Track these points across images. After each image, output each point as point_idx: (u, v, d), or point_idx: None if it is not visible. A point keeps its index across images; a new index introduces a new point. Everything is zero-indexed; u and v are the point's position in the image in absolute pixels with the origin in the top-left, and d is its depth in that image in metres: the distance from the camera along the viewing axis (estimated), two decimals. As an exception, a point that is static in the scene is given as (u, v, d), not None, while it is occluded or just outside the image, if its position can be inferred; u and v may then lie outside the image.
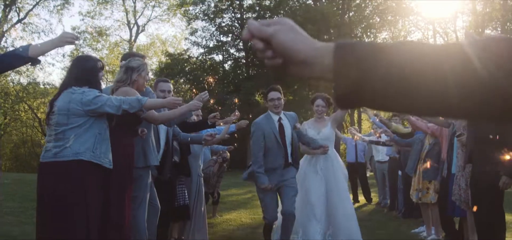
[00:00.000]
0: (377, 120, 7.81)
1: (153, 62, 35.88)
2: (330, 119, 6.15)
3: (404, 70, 0.79)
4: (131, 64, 4.40)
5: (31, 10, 29.76)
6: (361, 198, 11.66)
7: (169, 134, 5.37)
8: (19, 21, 29.24)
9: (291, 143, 5.65)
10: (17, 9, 29.00)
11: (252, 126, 5.62)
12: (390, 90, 0.80)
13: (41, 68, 30.73)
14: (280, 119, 5.60)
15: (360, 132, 13.08)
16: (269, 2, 30.77)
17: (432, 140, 6.40)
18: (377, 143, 8.94)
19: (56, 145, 3.66)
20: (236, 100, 24.07)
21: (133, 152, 4.40)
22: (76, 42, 3.92)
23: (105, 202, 3.91)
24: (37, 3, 29.82)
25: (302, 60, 0.89)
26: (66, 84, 3.85)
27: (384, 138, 8.46)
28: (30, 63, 3.72)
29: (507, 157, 4.34)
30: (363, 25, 32.42)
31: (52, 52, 31.50)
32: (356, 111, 32.84)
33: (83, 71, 3.87)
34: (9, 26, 28.57)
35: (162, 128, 5.23)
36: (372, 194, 11.72)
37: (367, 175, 12.12)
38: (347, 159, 11.63)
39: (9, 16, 28.32)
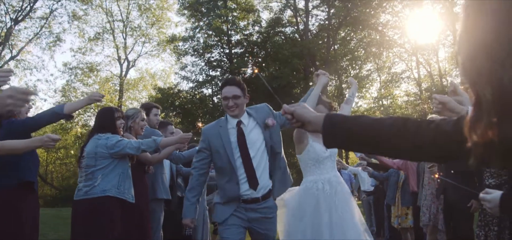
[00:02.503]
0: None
1: (142, 96, 36.35)
2: None
3: (357, 130, 1.63)
4: (127, 113, 5.13)
5: (24, 47, 30.26)
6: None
7: (173, 170, 5.97)
8: (12, 58, 29.66)
9: (270, 156, 3.93)
10: (10, 46, 29.49)
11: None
12: (351, 140, 1.65)
13: (34, 103, 31.08)
14: (239, 123, 3.92)
15: (347, 161, 13.68)
16: (256, 37, 31.61)
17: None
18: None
19: (86, 185, 4.30)
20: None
21: (147, 187, 5.04)
22: (102, 99, 4.58)
23: (130, 231, 4.52)
24: (30, 41, 30.35)
25: (308, 122, 1.75)
26: (93, 132, 4.57)
27: (363, 173, 9.29)
28: (64, 119, 4.35)
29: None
30: (348, 57, 33.28)
31: (44, 87, 31.93)
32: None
33: (104, 120, 4.57)
34: (2, 63, 28.99)
35: (167, 165, 5.81)
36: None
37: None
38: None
39: (2, 54, 28.79)
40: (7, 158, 3.78)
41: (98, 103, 5.10)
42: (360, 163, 9.98)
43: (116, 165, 4.38)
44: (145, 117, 5.22)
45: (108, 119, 4.57)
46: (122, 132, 4.66)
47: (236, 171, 3.78)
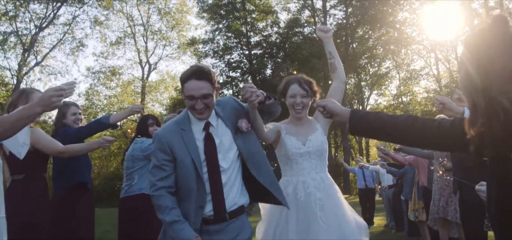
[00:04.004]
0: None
1: (164, 98, 36.99)
2: (319, 117, 3.58)
3: (377, 121, 2.15)
4: (164, 118, 5.64)
5: (48, 53, 30.96)
6: (378, 221, 12.56)
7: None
8: (37, 64, 30.39)
9: (244, 164, 2.95)
10: (35, 52, 30.24)
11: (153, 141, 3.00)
12: (371, 129, 2.19)
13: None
14: (208, 125, 2.88)
15: (368, 158, 14.14)
16: (275, 38, 32.04)
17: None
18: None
19: (126, 184, 4.91)
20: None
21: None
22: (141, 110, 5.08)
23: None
24: (54, 47, 31.09)
25: (337, 114, 2.25)
26: (133, 138, 5.23)
27: (382, 170, 9.82)
28: (110, 128, 4.84)
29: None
30: (367, 55, 33.55)
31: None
32: (363, 140, 33.64)
33: (140, 127, 5.20)
34: (27, 69, 29.79)
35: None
36: (381, 217, 12.69)
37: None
38: (358, 186, 12.90)
39: (28, 60, 29.55)
40: (64, 163, 4.29)
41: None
42: (377, 161, 10.43)
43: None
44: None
45: (142, 126, 5.16)
46: None
47: (205, 190, 2.78)
